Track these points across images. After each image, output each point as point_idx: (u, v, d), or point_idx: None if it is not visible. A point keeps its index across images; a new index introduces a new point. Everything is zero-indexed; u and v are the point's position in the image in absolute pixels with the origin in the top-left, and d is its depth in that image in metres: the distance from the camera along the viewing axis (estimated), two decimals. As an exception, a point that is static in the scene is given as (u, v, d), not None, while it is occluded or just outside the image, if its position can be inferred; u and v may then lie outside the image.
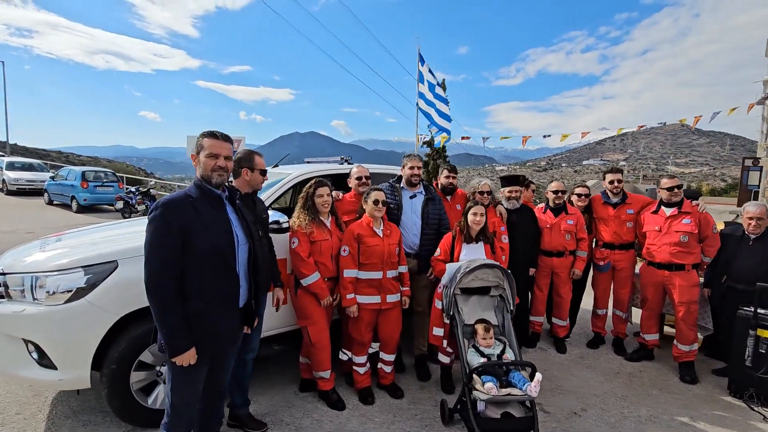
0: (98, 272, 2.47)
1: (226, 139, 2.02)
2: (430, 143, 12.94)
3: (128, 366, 2.53)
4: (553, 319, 4.23)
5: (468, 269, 2.76)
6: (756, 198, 15.35)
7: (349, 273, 2.95)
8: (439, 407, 2.98)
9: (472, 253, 3.04)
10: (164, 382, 2.68)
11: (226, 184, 2.07)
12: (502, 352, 2.70)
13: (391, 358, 3.21)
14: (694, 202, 3.68)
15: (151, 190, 13.00)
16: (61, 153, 35.89)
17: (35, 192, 16.30)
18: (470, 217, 3.08)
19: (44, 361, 2.39)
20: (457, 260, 3.05)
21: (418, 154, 3.49)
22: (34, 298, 2.44)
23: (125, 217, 12.60)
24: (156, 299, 1.80)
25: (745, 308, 3.31)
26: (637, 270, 4.10)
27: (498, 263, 2.90)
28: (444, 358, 3.29)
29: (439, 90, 10.16)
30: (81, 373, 2.41)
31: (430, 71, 10.02)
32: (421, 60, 9.92)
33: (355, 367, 3.16)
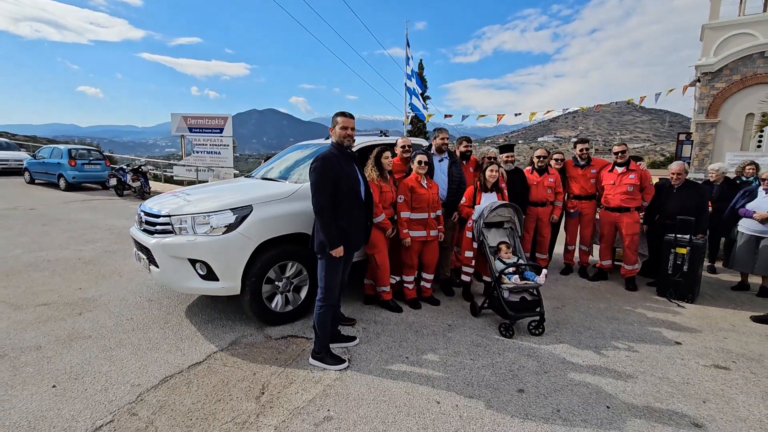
0: (241, 213, 3.49)
1: (351, 116, 3.08)
2: (413, 122, 14.07)
3: (261, 280, 3.59)
4: (537, 254, 5.62)
5: (492, 207, 3.99)
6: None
7: (404, 214, 4.10)
8: (466, 309, 4.28)
9: (489, 199, 4.28)
10: (281, 294, 3.78)
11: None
12: (518, 260, 4.00)
13: (431, 277, 4.44)
14: (639, 163, 5.12)
15: (141, 167, 13.27)
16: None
17: (9, 172, 15.95)
18: (488, 173, 4.30)
19: (208, 275, 3.41)
20: (479, 204, 4.28)
21: (445, 128, 4.63)
22: (194, 232, 3.43)
23: (119, 195, 12.90)
24: (322, 217, 2.88)
25: (669, 235, 4.81)
26: (597, 216, 5.54)
27: (512, 203, 4.16)
28: (466, 278, 4.57)
29: (412, 83, 11.17)
30: (235, 283, 3.45)
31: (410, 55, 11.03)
32: (408, 43, 10.91)
33: (405, 285, 4.37)
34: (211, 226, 3.39)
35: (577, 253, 5.80)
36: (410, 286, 4.37)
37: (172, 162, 18.02)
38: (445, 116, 11.70)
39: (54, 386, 2.75)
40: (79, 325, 3.68)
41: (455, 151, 4.93)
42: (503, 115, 11.36)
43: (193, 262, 3.41)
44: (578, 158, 5.52)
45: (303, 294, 3.93)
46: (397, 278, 4.43)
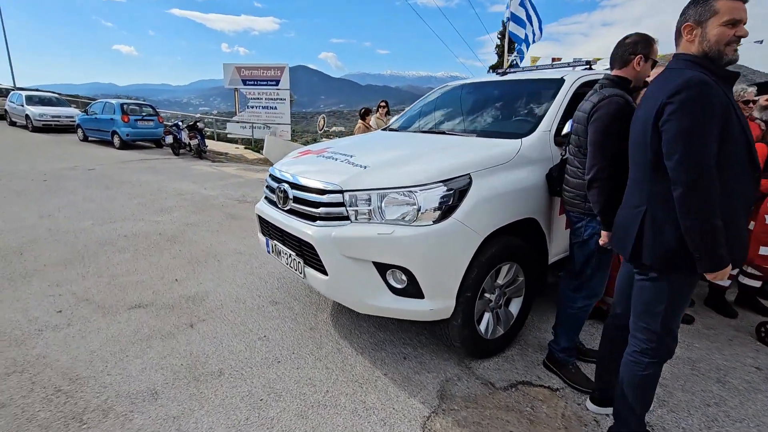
0: (457, 188, 2.09)
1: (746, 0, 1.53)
2: (496, 66, 12.05)
3: (477, 293, 2.24)
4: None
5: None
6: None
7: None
8: (740, 332, 2.81)
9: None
10: (491, 310, 2.44)
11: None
12: None
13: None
14: None
15: (197, 124, 12.14)
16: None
17: (61, 129, 15.30)
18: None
19: (408, 289, 2.08)
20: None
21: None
22: (383, 218, 2.08)
23: (176, 154, 11.93)
24: (701, 198, 1.41)
25: None
26: None
27: None
28: (754, 283, 3.07)
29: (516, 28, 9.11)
30: (449, 303, 2.12)
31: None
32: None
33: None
34: (418, 209, 2.01)
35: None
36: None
37: (225, 119, 16.87)
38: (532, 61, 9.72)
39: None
40: (198, 349, 2.50)
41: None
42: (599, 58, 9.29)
43: (382, 267, 2.08)
44: None
45: (515, 309, 2.58)
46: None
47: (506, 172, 2.30)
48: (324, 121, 14.32)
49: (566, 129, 2.41)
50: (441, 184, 2.06)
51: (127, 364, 2.34)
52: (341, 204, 2.13)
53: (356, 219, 2.12)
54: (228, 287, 3.39)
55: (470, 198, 2.10)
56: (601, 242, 2.02)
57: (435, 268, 2.03)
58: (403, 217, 2.05)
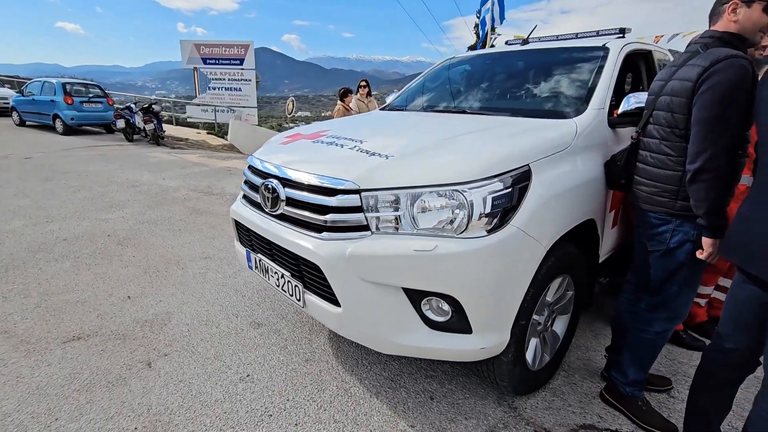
0: (516, 184, 1.55)
1: None
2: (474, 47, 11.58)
3: (529, 321, 1.74)
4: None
5: None
6: None
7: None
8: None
9: None
10: (539, 335, 1.95)
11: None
12: None
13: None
14: None
15: (152, 106, 10.95)
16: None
17: (-8, 112, 13.55)
18: None
19: (452, 322, 1.54)
20: None
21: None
22: (416, 226, 1.51)
23: (129, 140, 10.77)
24: None
25: None
26: None
27: None
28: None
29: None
30: (503, 336, 1.59)
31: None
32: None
33: (697, 299, 2.55)
34: (468, 215, 1.46)
35: None
36: (702, 301, 2.56)
37: (185, 101, 15.51)
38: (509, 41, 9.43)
39: None
40: (159, 402, 1.87)
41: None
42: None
43: (416, 294, 1.52)
44: None
45: (560, 329, 2.11)
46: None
47: (565, 161, 1.78)
48: (293, 104, 13.36)
49: (624, 106, 1.94)
50: (495, 179, 1.51)
51: (56, 432, 1.68)
52: (358, 209, 1.53)
53: (378, 228, 1.54)
54: (195, 305, 2.74)
55: (531, 197, 1.56)
56: (702, 255, 1.55)
57: (490, 294, 1.49)
58: (443, 226, 1.49)
